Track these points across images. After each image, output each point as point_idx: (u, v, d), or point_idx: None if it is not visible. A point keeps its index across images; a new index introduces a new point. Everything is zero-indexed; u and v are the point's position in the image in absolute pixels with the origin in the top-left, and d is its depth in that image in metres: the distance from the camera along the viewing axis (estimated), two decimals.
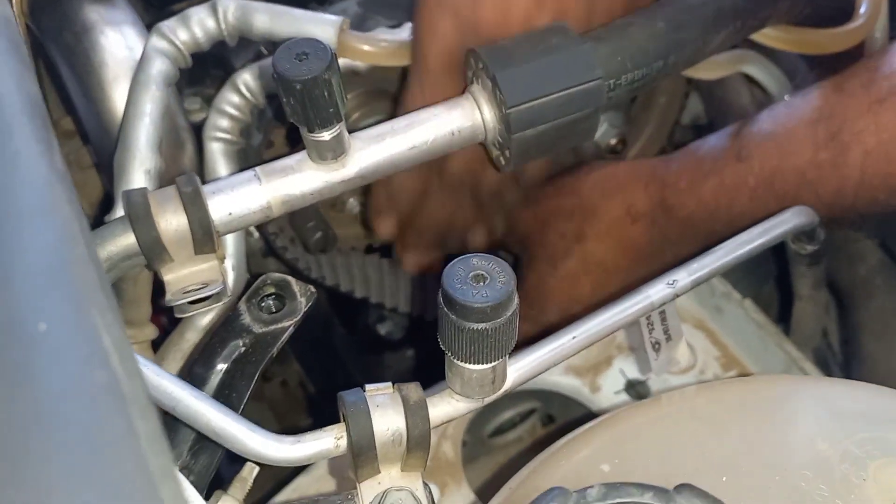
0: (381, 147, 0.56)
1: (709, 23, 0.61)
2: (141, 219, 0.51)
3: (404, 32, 0.65)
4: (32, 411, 0.25)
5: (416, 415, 0.48)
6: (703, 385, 0.56)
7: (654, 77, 0.60)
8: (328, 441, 0.48)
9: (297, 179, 0.54)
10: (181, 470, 0.51)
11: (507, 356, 0.49)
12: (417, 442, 0.48)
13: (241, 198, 0.54)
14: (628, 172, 0.78)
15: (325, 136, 0.52)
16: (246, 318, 0.55)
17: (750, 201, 0.70)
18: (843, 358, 0.84)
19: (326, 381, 0.91)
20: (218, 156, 0.66)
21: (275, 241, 0.74)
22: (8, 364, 0.25)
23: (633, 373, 0.80)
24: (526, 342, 0.52)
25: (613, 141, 0.87)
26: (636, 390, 0.79)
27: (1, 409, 0.24)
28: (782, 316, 0.89)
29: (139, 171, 0.58)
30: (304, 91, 0.48)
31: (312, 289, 0.57)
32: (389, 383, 0.50)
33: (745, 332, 0.79)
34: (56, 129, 0.65)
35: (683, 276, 0.57)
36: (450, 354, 0.47)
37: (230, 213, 0.53)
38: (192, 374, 0.54)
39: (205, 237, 0.52)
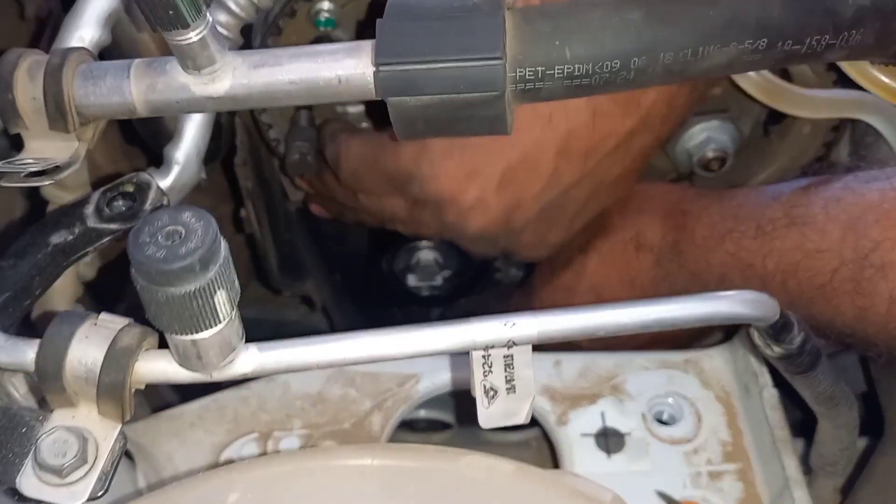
0: (259, 72, 0.49)
1: (713, 29, 0.46)
2: (2, 77, 0.50)
3: None
4: None
5: (114, 361, 0.43)
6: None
7: (609, 81, 0.47)
8: (29, 354, 0.45)
9: (165, 83, 0.50)
10: None
11: (243, 339, 0.43)
12: (107, 388, 0.43)
13: (107, 86, 0.50)
14: (654, 196, 0.66)
15: (193, 36, 0.47)
16: (90, 208, 0.53)
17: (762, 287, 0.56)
18: None
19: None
20: None
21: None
22: None
23: (616, 422, 0.68)
24: None
25: (710, 155, 0.72)
26: (607, 442, 0.68)
27: None
28: None
29: (74, 35, 0.57)
30: None
31: (167, 199, 0.53)
32: (129, 320, 0.45)
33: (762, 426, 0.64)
34: None
35: (529, 325, 0.45)
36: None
37: (91, 98, 0.50)
38: None
39: (56, 113, 0.50)
